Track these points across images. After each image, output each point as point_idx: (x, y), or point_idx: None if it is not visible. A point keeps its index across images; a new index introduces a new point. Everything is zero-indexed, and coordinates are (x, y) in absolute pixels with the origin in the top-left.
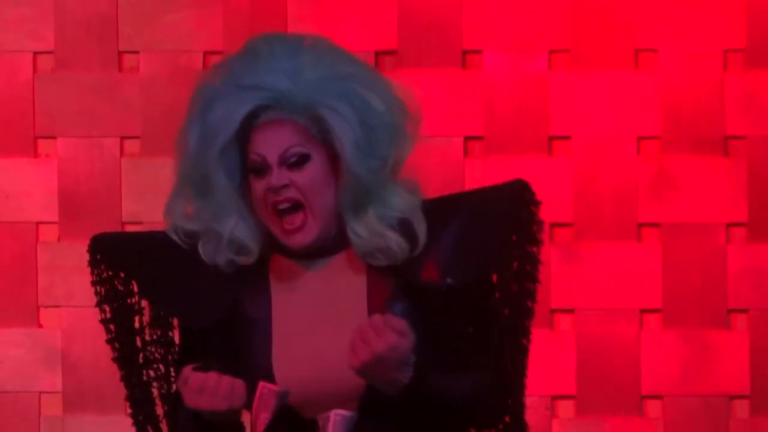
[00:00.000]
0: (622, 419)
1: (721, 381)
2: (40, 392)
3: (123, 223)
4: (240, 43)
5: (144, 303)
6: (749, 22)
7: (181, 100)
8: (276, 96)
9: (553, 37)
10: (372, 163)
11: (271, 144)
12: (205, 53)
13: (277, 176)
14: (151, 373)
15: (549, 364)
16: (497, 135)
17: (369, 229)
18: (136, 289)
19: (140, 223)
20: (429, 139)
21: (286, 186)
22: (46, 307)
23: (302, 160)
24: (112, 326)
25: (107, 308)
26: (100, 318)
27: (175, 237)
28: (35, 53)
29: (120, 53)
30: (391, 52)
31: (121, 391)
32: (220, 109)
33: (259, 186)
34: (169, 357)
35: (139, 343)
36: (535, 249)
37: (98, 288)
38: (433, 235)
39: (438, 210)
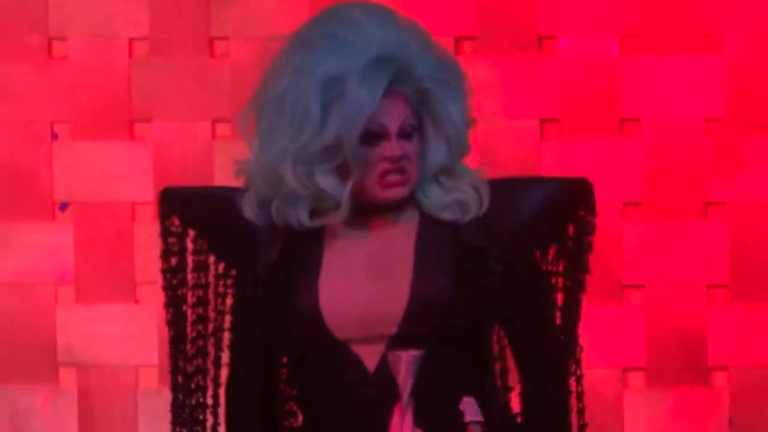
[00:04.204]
0: (689, 389)
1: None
2: (137, 365)
3: None
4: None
5: (200, 257)
6: None
7: None
8: (406, 70)
9: (624, 22)
10: (467, 136)
11: (391, 115)
12: None
13: (397, 147)
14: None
15: (620, 337)
16: (571, 117)
17: (449, 187)
18: (193, 242)
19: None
20: (506, 122)
21: (403, 156)
22: (142, 284)
23: (412, 131)
24: (169, 275)
25: (171, 259)
26: (161, 267)
27: (249, 201)
28: (131, 39)
29: (211, 39)
30: (471, 38)
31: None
32: (363, 86)
33: (373, 152)
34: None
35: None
36: (588, 240)
37: (164, 239)
38: (498, 208)
39: (505, 187)
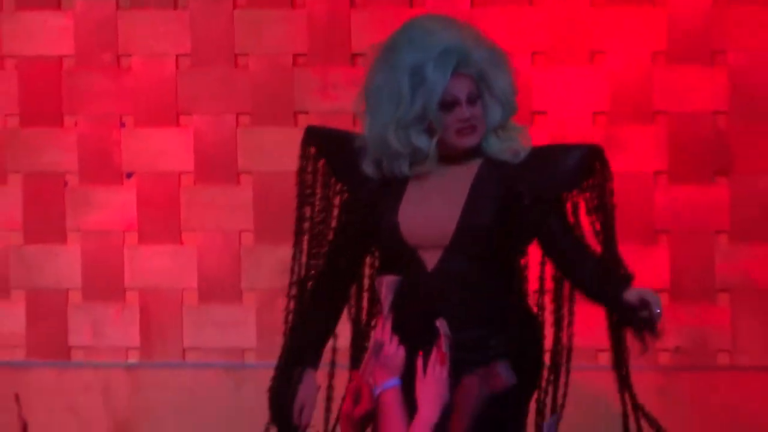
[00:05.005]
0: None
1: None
2: (182, 289)
3: (239, 173)
4: (321, 47)
5: (325, 177)
6: (671, 25)
7: (277, 87)
8: (466, 57)
9: (535, 42)
10: (514, 100)
11: (460, 88)
12: (294, 55)
13: (467, 110)
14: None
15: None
16: None
17: (504, 137)
18: (323, 167)
19: (250, 173)
20: None
21: (471, 116)
22: (186, 230)
23: (476, 99)
24: (301, 186)
25: (305, 175)
26: (296, 180)
27: (368, 162)
28: (177, 55)
29: (236, 55)
30: None
31: (236, 280)
32: (437, 70)
33: (449, 116)
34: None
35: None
36: (610, 186)
37: (303, 161)
38: (534, 166)
39: (540, 153)
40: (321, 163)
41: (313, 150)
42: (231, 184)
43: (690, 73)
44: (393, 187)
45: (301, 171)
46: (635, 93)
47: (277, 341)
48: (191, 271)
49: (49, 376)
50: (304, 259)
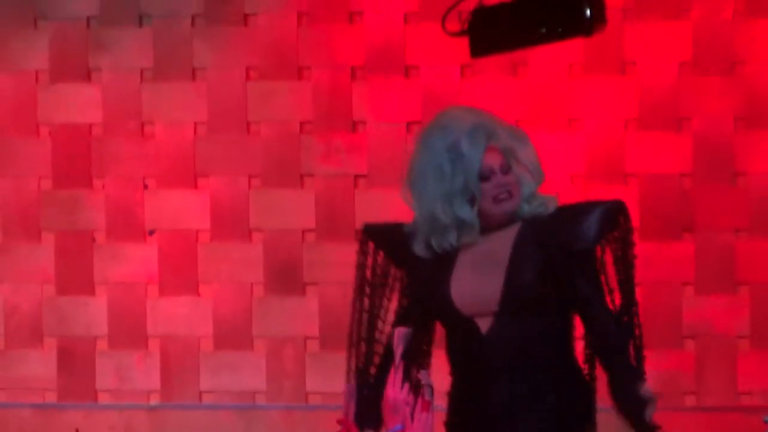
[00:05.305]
0: None
1: None
2: (199, 337)
3: (250, 230)
4: (325, 116)
5: (384, 267)
6: (642, 96)
7: (285, 152)
8: (493, 133)
9: (519, 110)
10: (541, 169)
11: (493, 160)
12: (301, 123)
13: (503, 179)
14: (373, 309)
15: None
16: None
17: (535, 204)
18: (382, 258)
19: (261, 230)
20: None
21: (506, 183)
22: (203, 283)
23: (508, 169)
24: (360, 279)
25: (365, 269)
26: (356, 272)
27: (419, 244)
28: (196, 123)
29: (248, 122)
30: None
31: (248, 329)
32: (471, 145)
33: (488, 184)
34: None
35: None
36: (632, 239)
37: (362, 255)
38: (563, 223)
39: (569, 210)
40: (380, 255)
41: (371, 245)
42: (244, 241)
43: (659, 139)
44: (443, 263)
45: (360, 266)
46: (609, 156)
47: (286, 385)
48: (207, 320)
49: (77, 417)
50: (364, 347)
